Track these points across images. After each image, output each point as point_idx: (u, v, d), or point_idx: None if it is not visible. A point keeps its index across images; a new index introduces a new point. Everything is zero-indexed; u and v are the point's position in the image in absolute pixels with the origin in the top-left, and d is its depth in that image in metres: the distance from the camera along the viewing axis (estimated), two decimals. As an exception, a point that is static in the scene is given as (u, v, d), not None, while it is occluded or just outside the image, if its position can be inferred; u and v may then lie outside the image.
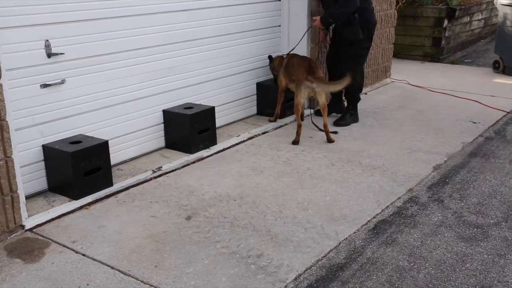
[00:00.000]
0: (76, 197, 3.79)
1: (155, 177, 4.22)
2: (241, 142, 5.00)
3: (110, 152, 4.02)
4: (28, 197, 3.71)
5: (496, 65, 7.86)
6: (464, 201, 3.85)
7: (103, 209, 3.72)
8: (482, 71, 8.05)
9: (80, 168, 3.77)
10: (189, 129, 4.62)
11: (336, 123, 5.40)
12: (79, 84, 4.01)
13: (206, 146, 4.79)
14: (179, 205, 3.76)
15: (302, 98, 4.90)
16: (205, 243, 3.26)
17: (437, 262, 3.09)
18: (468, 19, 9.43)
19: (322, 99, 4.89)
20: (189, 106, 4.79)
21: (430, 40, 8.81)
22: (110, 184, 4.00)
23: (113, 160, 4.19)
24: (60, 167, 3.82)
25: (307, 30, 5.52)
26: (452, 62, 8.77)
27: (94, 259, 3.10)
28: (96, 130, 4.16)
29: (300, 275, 2.96)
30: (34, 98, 3.72)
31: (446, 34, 8.79)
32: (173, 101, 4.80)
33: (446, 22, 8.68)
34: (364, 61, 5.57)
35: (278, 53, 5.83)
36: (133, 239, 3.32)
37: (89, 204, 3.77)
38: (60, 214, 3.61)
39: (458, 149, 4.81)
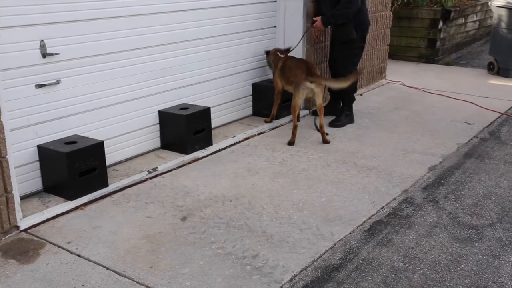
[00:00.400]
0: (71, 198, 3.78)
1: (150, 178, 4.22)
2: (237, 142, 5.00)
3: (106, 152, 4.01)
4: (23, 198, 3.69)
5: (491, 66, 7.90)
6: (459, 202, 3.87)
7: (98, 209, 3.71)
8: (477, 72, 8.08)
9: (75, 169, 3.76)
10: (184, 130, 4.61)
11: (331, 124, 5.41)
12: (74, 85, 4.00)
13: (202, 147, 4.78)
14: (174, 206, 3.75)
15: (300, 99, 4.91)
16: (201, 244, 3.26)
17: (432, 262, 3.10)
18: (463, 20, 9.47)
19: (320, 100, 4.89)
20: (184, 107, 4.79)
21: (425, 41, 8.84)
22: (106, 184, 3.99)
23: (109, 160, 4.18)
24: (55, 168, 3.81)
25: (307, 30, 5.52)
26: (447, 64, 8.80)
27: (89, 260, 3.09)
28: (91, 131, 4.15)
29: (296, 276, 2.96)
30: (29, 98, 3.71)
31: (441, 36, 8.82)
32: (168, 102, 4.79)
33: (441, 23, 8.71)
34: (358, 62, 5.59)
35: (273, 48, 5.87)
36: (129, 239, 3.31)
37: (84, 204, 3.76)
38: (55, 214, 3.60)
39: (453, 150, 4.83)
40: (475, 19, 9.93)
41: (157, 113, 4.72)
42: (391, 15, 7.14)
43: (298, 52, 5.49)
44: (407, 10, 8.89)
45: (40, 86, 3.77)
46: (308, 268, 3.04)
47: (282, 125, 5.52)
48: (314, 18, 5.38)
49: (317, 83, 4.81)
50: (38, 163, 3.86)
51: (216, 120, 5.22)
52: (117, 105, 4.36)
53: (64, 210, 3.66)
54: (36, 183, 3.88)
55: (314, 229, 3.43)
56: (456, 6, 9.09)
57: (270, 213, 3.64)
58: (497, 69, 7.77)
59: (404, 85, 7.20)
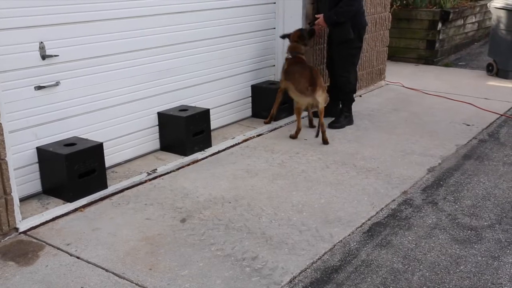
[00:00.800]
0: (70, 200, 3.78)
1: (149, 180, 4.22)
2: (236, 144, 5.00)
3: (105, 154, 4.01)
4: (22, 200, 3.69)
5: (490, 67, 7.90)
6: (458, 203, 3.87)
7: (98, 211, 3.71)
8: (476, 73, 8.08)
9: (74, 171, 3.76)
10: (184, 132, 4.61)
11: (330, 126, 5.40)
12: (74, 86, 4.00)
13: (201, 149, 4.78)
14: (173, 208, 3.75)
15: (303, 105, 5.03)
16: (200, 246, 3.25)
17: (432, 264, 3.10)
18: (462, 22, 9.48)
19: (322, 105, 4.93)
20: (184, 108, 4.79)
21: (424, 42, 8.84)
22: (105, 186, 3.99)
23: (108, 162, 4.18)
24: (54, 170, 3.81)
25: (310, 28, 5.51)
26: (446, 65, 8.81)
27: (89, 262, 3.09)
28: (90, 132, 4.15)
29: (295, 278, 2.96)
30: (28, 100, 3.71)
31: (440, 37, 8.82)
32: (168, 103, 4.79)
33: (440, 25, 8.71)
34: (356, 62, 5.60)
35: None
36: (128, 241, 3.31)
37: (84, 206, 3.76)
38: (54, 216, 3.60)
39: (452, 151, 4.83)
40: (474, 20, 9.94)
41: (156, 115, 4.72)
42: (390, 17, 7.15)
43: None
44: (406, 12, 8.90)
45: (39, 88, 3.77)
46: (307, 269, 3.04)
47: (281, 126, 5.52)
48: (316, 16, 5.39)
49: (318, 95, 4.86)
50: (37, 165, 3.86)
51: (215, 121, 5.22)
52: (117, 107, 4.36)
53: (63, 212, 3.66)
54: (35, 185, 3.88)
55: (313, 231, 3.43)
56: (455, 7, 9.09)
57: (269, 215, 3.64)
58: (496, 71, 7.78)
59: (403, 86, 7.20)
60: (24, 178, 3.78)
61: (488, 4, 8.20)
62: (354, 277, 2.98)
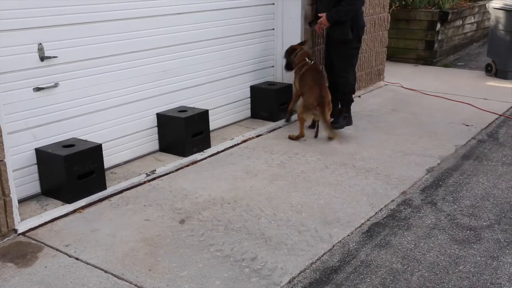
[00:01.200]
0: (69, 201, 3.77)
1: (148, 181, 4.21)
2: (235, 145, 5.00)
3: (104, 155, 4.01)
4: (21, 201, 3.69)
5: (489, 68, 7.91)
6: (457, 203, 3.87)
7: (97, 212, 3.71)
8: (474, 74, 8.09)
9: (73, 172, 3.76)
10: (183, 132, 4.61)
11: (330, 126, 5.41)
12: (72, 88, 4.00)
13: (200, 149, 4.78)
14: (173, 209, 3.75)
15: (308, 118, 5.14)
16: (199, 247, 3.25)
17: (431, 264, 3.10)
18: (461, 22, 9.49)
19: (328, 119, 4.98)
20: (183, 109, 4.79)
21: (423, 43, 8.85)
22: (104, 187, 3.99)
23: (107, 163, 4.18)
24: (53, 171, 3.81)
25: (312, 27, 5.50)
26: (445, 65, 8.81)
27: (88, 263, 3.09)
28: (89, 134, 4.15)
29: (294, 278, 2.96)
30: (27, 102, 3.71)
31: (439, 38, 8.83)
32: (167, 104, 4.79)
33: (439, 25, 8.72)
34: (355, 62, 5.60)
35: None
36: (127, 242, 3.31)
37: (83, 207, 3.76)
38: (53, 217, 3.60)
39: (451, 151, 4.84)
40: (472, 21, 9.94)
41: (155, 116, 4.72)
42: (389, 17, 7.15)
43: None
44: (405, 12, 8.90)
45: (38, 89, 3.77)
46: (306, 270, 3.04)
47: (280, 127, 5.52)
48: (319, 14, 5.38)
49: (323, 113, 4.91)
50: (36, 166, 3.85)
51: (214, 122, 5.22)
52: (115, 108, 4.36)
53: (62, 213, 3.66)
54: (34, 186, 3.88)
55: (313, 231, 3.43)
56: (454, 8, 9.10)
57: (268, 216, 3.64)
58: (495, 71, 7.78)
59: (402, 87, 7.21)
60: (23, 179, 3.78)
61: (486, 4, 8.21)
62: (353, 277, 2.98)
